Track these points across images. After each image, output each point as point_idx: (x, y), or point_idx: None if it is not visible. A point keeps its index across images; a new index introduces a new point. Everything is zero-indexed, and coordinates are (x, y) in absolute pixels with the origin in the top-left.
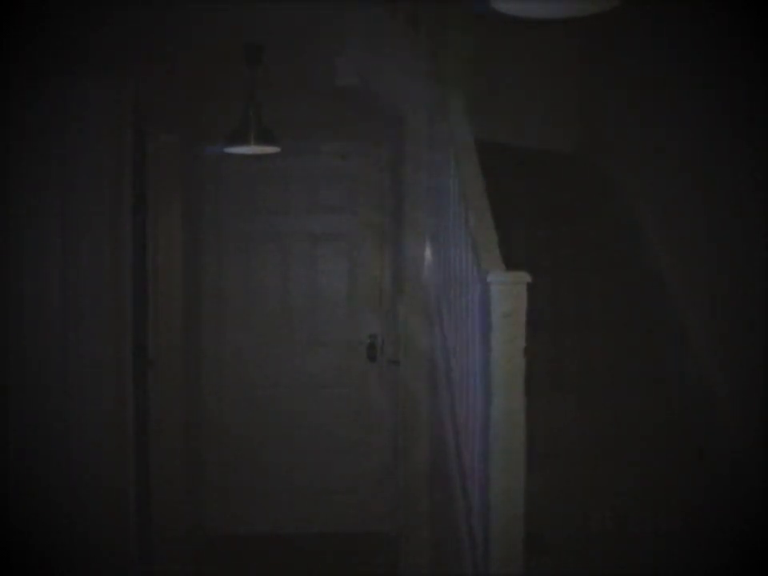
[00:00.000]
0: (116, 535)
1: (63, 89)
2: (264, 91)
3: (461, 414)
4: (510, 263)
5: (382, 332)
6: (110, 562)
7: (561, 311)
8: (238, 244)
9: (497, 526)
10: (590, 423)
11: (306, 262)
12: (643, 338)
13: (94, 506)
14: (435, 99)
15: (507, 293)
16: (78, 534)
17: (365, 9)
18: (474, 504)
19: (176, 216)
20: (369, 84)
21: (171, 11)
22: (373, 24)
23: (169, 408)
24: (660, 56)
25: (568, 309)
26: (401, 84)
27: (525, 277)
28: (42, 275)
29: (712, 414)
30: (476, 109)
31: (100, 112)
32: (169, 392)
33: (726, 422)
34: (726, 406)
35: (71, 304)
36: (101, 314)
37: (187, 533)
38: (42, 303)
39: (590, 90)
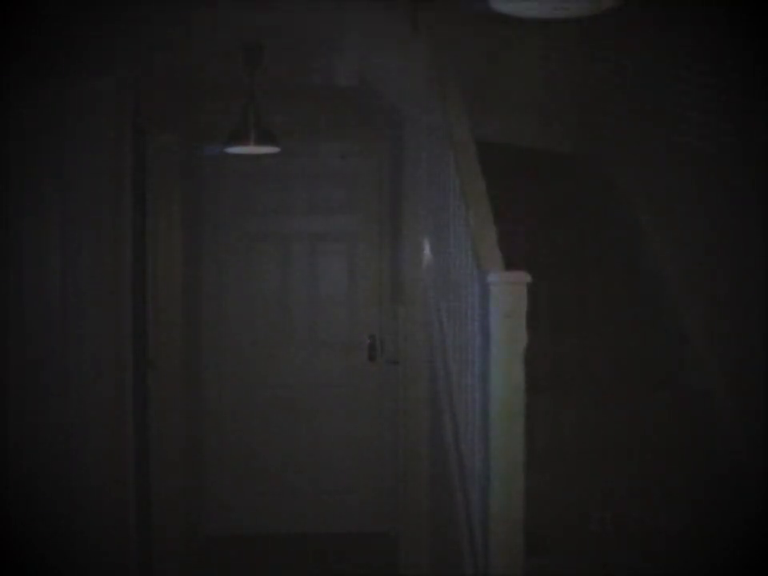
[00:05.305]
0: (116, 535)
1: (63, 89)
2: (264, 91)
3: (460, 414)
4: (510, 263)
5: (381, 332)
6: (110, 562)
7: (560, 311)
8: (238, 244)
9: (497, 525)
10: (589, 423)
11: (306, 262)
12: (643, 339)
13: (93, 506)
14: (435, 99)
15: (507, 293)
16: (77, 534)
17: (364, 9)
18: (474, 504)
19: (176, 216)
20: (369, 84)
21: (171, 11)
22: (373, 24)
23: (169, 408)
24: (660, 56)
25: (568, 309)
26: (401, 84)
27: (525, 277)
28: (41, 275)
29: (712, 414)
30: (476, 109)
31: (100, 112)
32: (169, 392)
33: (725, 422)
34: (726, 406)
35: (71, 304)
36: (101, 314)
37: (187, 533)
38: (41, 303)
39: (589, 90)
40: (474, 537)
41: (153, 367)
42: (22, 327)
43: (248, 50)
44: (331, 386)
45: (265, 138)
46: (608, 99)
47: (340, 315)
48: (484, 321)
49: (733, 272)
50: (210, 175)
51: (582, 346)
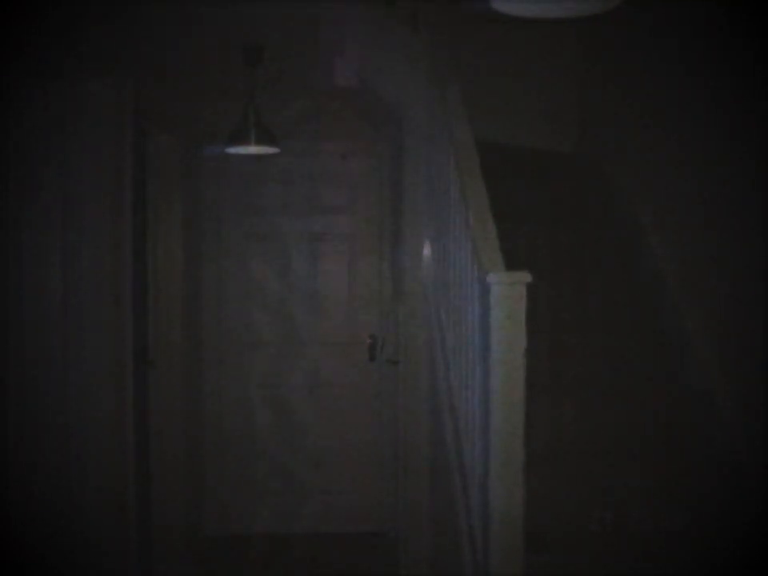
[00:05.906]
0: (116, 535)
1: (63, 89)
2: (264, 91)
3: (461, 414)
4: (510, 263)
5: (381, 332)
6: (110, 562)
7: (561, 311)
8: (238, 244)
9: (497, 525)
10: (589, 423)
11: (306, 262)
12: (643, 338)
13: (93, 506)
14: (435, 99)
15: (507, 293)
16: (77, 533)
17: (365, 9)
18: (474, 504)
19: (176, 216)
20: (369, 84)
21: (171, 11)
22: (373, 24)
23: (169, 408)
24: (660, 56)
25: (568, 309)
26: (401, 84)
27: (525, 277)
28: (42, 275)
29: (712, 414)
30: (476, 109)
31: (100, 112)
32: (169, 392)
33: (726, 422)
34: (726, 406)
35: (71, 304)
36: (101, 314)
37: (187, 533)
38: (42, 303)
39: (589, 90)
40: (474, 536)
41: (153, 367)
42: (22, 327)
43: (248, 50)
44: (331, 386)
45: (265, 138)
46: (608, 99)
47: (340, 315)
48: (484, 321)
49: (733, 272)
50: (210, 175)
51: (582, 345)
